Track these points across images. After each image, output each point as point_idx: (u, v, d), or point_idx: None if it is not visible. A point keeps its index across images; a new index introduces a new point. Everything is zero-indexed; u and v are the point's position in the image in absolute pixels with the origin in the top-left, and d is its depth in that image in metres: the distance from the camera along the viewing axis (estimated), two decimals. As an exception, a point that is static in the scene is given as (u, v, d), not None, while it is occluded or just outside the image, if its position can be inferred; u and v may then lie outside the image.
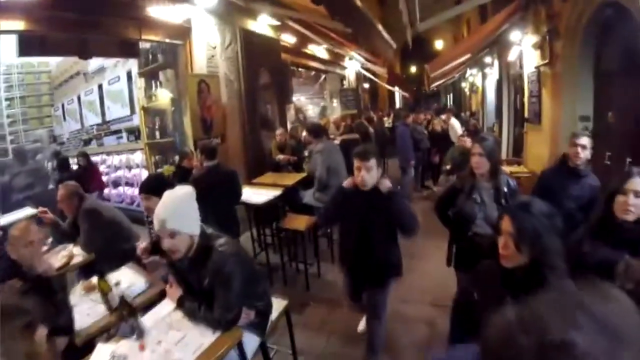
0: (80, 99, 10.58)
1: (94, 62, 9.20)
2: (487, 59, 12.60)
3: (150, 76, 7.15)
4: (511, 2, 7.64)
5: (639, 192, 2.32)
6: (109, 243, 4.15)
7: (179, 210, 2.40)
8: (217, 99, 6.82)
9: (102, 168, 9.55)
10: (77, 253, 4.23)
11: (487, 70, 14.13)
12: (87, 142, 10.65)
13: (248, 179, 6.79)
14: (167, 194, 2.46)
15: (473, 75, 17.99)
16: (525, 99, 8.33)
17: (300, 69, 12.24)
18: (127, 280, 3.47)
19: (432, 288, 5.11)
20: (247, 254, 3.00)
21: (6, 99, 13.22)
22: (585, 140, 3.53)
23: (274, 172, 6.89)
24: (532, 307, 0.85)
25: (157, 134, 7.21)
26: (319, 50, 11.50)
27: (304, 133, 7.59)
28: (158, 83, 7.07)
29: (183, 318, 2.61)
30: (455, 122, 11.24)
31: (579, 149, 3.52)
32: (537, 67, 7.18)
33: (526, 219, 1.87)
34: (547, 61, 6.57)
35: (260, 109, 8.02)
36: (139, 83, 7.37)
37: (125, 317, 2.57)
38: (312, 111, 15.41)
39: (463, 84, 23.46)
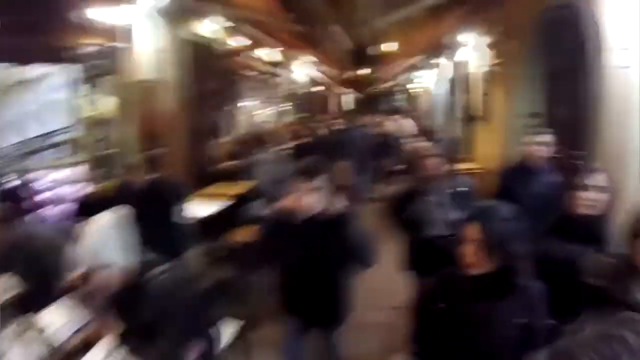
0: (20, 109, 9.76)
1: (35, 70, 8.48)
2: (437, 60, 12.76)
3: (92, 83, 6.64)
4: (462, 4, 7.70)
5: (602, 187, 2.33)
6: (40, 276, 3.79)
7: (108, 240, 2.12)
8: (162, 106, 6.48)
9: (41, 185, 8.94)
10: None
11: (436, 70, 14.34)
12: (26, 156, 9.96)
13: (196, 190, 6.44)
14: (92, 223, 2.17)
15: (423, 76, 18.25)
16: (475, 98, 8.58)
17: (249, 73, 11.94)
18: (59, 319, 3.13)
19: (389, 292, 4.92)
20: (191, 279, 2.59)
21: (-63, 112, 12.34)
22: (543, 138, 3.48)
23: (223, 181, 6.60)
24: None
25: (100, 145, 6.80)
26: (270, 53, 11.21)
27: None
28: (100, 91, 6.62)
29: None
30: (406, 122, 11.36)
31: (536, 147, 3.47)
32: (486, 67, 7.43)
33: (494, 225, 1.81)
34: (497, 61, 6.67)
35: (207, 116, 7.72)
36: (81, 91, 6.93)
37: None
38: (264, 116, 15.15)
39: (412, 85, 23.80)
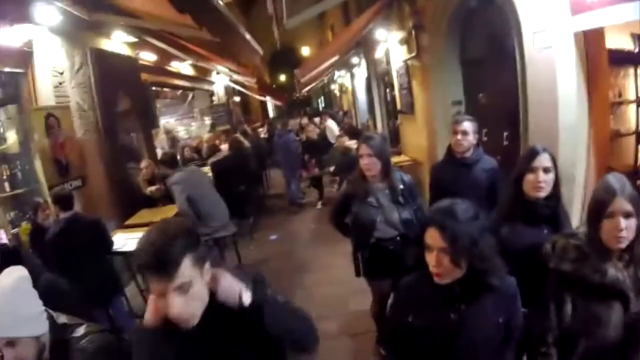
0: None
1: None
2: (355, 59, 13.04)
3: None
4: (375, 2, 7.67)
5: (548, 168, 2.23)
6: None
7: (9, 309, 1.66)
8: (71, 134, 5.90)
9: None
10: None
11: (355, 70, 14.52)
12: None
13: (122, 222, 6.06)
14: None
15: (342, 77, 18.51)
16: (396, 92, 8.69)
17: (164, 89, 11.39)
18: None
19: (348, 296, 4.87)
20: (120, 344, 1.94)
21: None
22: (465, 126, 3.30)
23: (148, 208, 6.18)
24: None
25: (7, 185, 6.14)
26: (183, 66, 10.60)
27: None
28: (1, 123, 5.93)
29: None
30: (332, 123, 11.29)
31: (460, 136, 3.30)
32: (405, 61, 7.47)
33: (457, 229, 1.64)
34: (414, 54, 6.78)
35: (122, 139, 7.17)
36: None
37: None
38: (183, 132, 14.57)
39: (332, 86, 24.09)
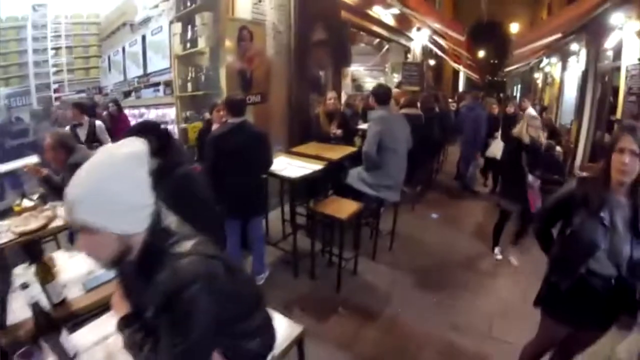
0: (125, 50, 10.03)
1: (141, 13, 8.57)
2: (573, 46, 10.93)
3: (187, 21, 6.15)
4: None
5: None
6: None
7: (105, 189, 1.26)
8: (261, 50, 5.83)
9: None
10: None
11: (570, 59, 12.46)
12: (127, 94, 10.09)
13: (290, 146, 5.88)
14: (93, 158, 1.34)
15: (551, 65, 16.14)
16: (620, 98, 6.96)
17: (361, 33, 10.95)
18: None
19: (495, 315, 4.09)
20: (232, 270, 1.54)
21: (53, 48, 12.94)
22: None
23: (320, 142, 5.82)
24: None
25: (190, 86, 6.32)
26: (385, 14, 10.15)
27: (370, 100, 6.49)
28: (194, 29, 6.07)
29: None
30: (532, 112, 9.85)
31: None
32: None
33: None
34: None
35: (311, 69, 6.94)
36: (174, 28, 6.45)
37: (42, 333, 1.63)
38: (370, 85, 14.18)
39: (536, 74, 21.45)
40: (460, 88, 28.03)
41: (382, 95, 4.73)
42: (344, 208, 4.31)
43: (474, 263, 5.27)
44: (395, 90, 10.21)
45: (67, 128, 5.48)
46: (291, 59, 6.38)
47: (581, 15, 7.56)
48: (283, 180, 4.74)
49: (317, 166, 4.61)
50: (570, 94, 12.85)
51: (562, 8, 13.19)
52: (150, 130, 2.53)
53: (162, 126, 2.84)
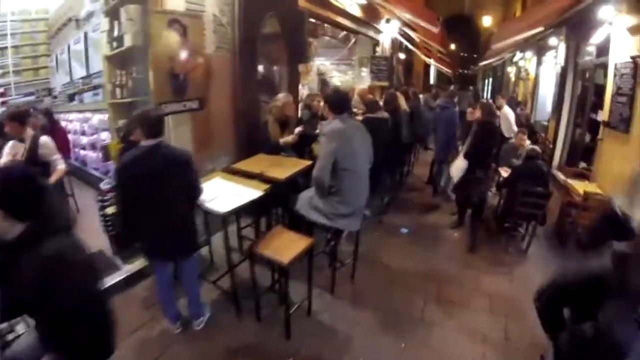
0: (70, 48, 9.06)
1: (87, 7, 7.63)
2: (552, 41, 10.29)
3: (114, 15, 5.24)
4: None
5: None
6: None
7: None
8: (198, 47, 4.93)
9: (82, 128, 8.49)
10: None
11: (548, 54, 11.87)
12: (71, 98, 9.19)
13: (239, 159, 5.08)
14: None
15: (525, 59, 15.58)
16: (607, 97, 6.32)
17: (325, 25, 10.09)
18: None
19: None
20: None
21: (-3, 49, 11.84)
22: None
23: (269, 154, 4.99)
24: None
25: (119, 91, 5.48)
26: (350, 4, 9.29)
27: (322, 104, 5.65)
28: (121, 25, 5.15)
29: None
30: (509, 112, 9.17)
31: None
32: (634, 58, 5.35)
33: None
34: None
35: (262, 67, 6.09)
36: (103, 25, 5.57)
37: None
38: (337, 79, 13.42)
39: (509, 68, 20.92)
40: (431, 80, 27.57)
41: (337, 102, 3.85)
42: (290, 245, 3.50)
43: (450, 292, 4.56)
44: (361, 87, 9.44)
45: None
46: (236, 56, 5.51)
47: (565, 8, 6.87)
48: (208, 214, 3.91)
49: (256, 192, 3.79)
50: (546, 89, 12.51)
51: (539, 3, 12.71)
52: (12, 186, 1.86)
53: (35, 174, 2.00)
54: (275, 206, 4.79)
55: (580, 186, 6.02)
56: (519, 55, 16.16)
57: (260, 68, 6.10)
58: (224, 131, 5.52)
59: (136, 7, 4.78)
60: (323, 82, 12.30)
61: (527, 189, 5.30)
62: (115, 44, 5.26)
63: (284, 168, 4.38)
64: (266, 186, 3.90)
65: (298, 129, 5.04)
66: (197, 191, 3.33)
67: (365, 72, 13.47)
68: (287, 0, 6.48)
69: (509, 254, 5.53)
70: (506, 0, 23.48)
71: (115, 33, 5.25)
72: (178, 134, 4.95)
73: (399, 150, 6.64)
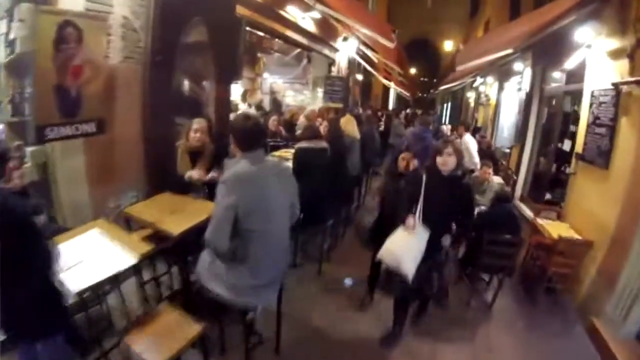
0: None
1: None
2: (517, 66, 9.83)
3: (11, 16, 4.08)
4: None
5: None
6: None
7: None
8: (98, 56, 3.90)
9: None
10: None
11: (511, 80, 11.40)
12: None
13: (146, 196, 4.19)
14: None
15: (486, 84, 15.21)
16: (581, 126, 5.77)
17: (275, 39, 9.12)
18: None
19: None
20: None
21: None
22: None
23: (177, 192, 3.96)
24: None
25: (10, 108, 4.38)
26: (303, 17, 8.27)
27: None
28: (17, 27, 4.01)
29: None
30: (470, 141, 8.50)
31: None
32: (616, 85, 4.78)
33: None
34: (638, 78, 4.29)
35: (181, 83, 5.08)
36: (1, 27, 4.49)
37: None
38: (291, 99, 12.59)
39: (468, 94, 20.65)
40: (391, 105, 27.22)
41: (245, 133, 2.73)
42: (172, 334, 2.53)
43: None
44: (310, 109, 8.56)
45: None
46: (148, 69, 4.46)
47: (539, 28, 6.22)
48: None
49: (129, 259, 2.76)
50: (508, 116, 12.13)
51: (502, 24, 12.35)
52: None
53: None
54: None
55: (551, 227, 5.39)
56: (479, 80, 15.84)
57: (185, 84, 5.10)
58: (130, 160, 4.47)
59: (30, 7, 3.73)
60: (275, 101, 11.57)
61: (496, 238, 4.48)
62: (9, 49, 4.21)
63: (185, 217, 3.34)
64: (149, 248, 2.88)
65: (212, 174, 3.92)
66: (46, 260, 2.26)
67: (320, 92, 12.61)
68: (219, 3, 5.44)
69: (470, 309, 4.74)
70: (468, 25, 23.49)
71: (11, 36, 4.17)
72: (66, 167, 3.92)
73: (343, 184, 5.67)
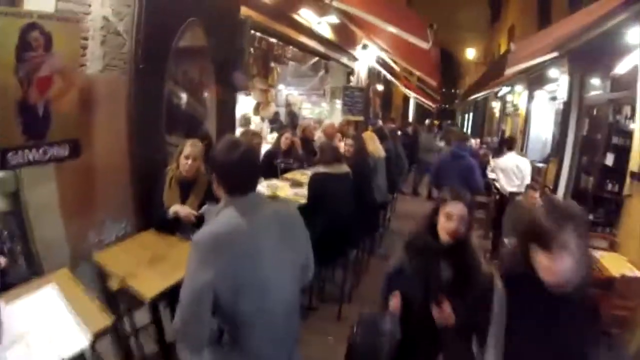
0: None
1: None
2: (551, 72, 9.10)
3: None
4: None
5: None
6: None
7: None
8: (69, 66, 3.22)
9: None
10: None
11: (545, 87, 10.65)
12: None
13: (138, 229, 3.60)
14: None
15: (514, 93, 14.43)
16: (635, 142, 5.04)
17: (289, 47, 8.39)
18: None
19: None
20: None
21: None
22: None
23: (164, 229, 3.29)
24: None
25: None
26: (318, 22, 7.53)
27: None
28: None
29: None
30: (517, 161, 7.35)
31: None
32: None
33: None
34: None
35: (174, 95, 4.34)
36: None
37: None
38: (308, 112, 11.93)
39: (493, 103, 19.82)
40: (410, 115, 26.60)
41: (232, 168, 1.82)
42: None
43: None
44: (328, 122, 7.86)
45: None
46: (133, 79, 3.74)
47: (588, 25, 5.48)
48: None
49: (81, 340, 1.96)
50: (540, 127, 11.66)
51: (527, 32, 11.62)
52: None
53: None
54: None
55: (605, 260, 4.52)
56: (505, 89, 15.02)
57: (180, 96, 4.40)
58: (114, 187, 3.76)
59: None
60: (291, 113, 10.91)
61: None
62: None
63: (165, 269, 2.61)
64: (107, 323, 2.09)
65: (204, 208, 3.04)
66: None
67: (339, 104, 11.98)
68: (219, 3, 4.74)
69: None
70: (488, 34, 22.86)
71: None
72: (35, 197, 3.23)
73: (367, 211, 4.89)
